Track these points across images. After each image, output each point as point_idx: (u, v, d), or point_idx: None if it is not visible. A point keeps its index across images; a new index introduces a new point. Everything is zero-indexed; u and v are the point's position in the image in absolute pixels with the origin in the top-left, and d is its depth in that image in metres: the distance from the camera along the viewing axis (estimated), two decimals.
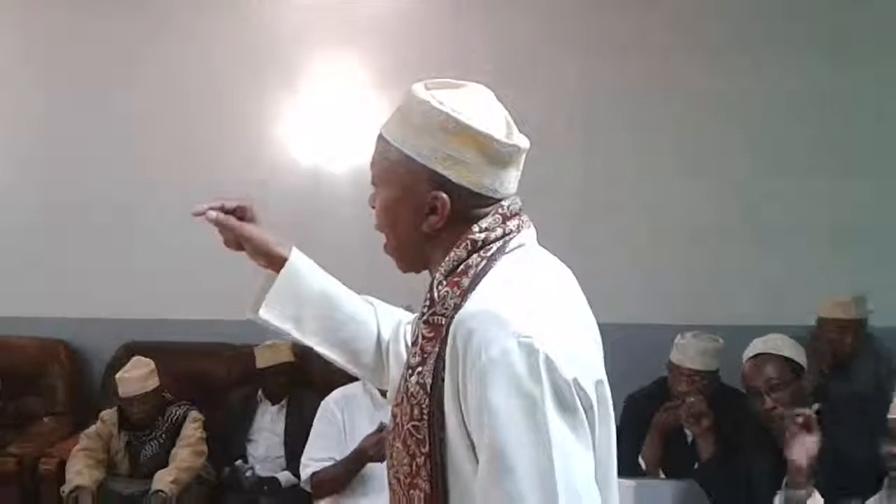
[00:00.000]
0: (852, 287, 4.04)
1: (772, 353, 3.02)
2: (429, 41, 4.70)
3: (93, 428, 4.19)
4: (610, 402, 1.35)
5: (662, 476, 3.51)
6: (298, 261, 1.61)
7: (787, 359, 3.00)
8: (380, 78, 4.72)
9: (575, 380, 1.25)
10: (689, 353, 3.51)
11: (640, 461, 3.55)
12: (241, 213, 1.64)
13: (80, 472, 4.00)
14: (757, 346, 3.09)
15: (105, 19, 4.85)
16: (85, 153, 4.89)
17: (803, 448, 2.57)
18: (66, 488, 3.97)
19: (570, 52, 4.66)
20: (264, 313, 1.59)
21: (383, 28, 4.79)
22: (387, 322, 1.69)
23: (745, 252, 4.55)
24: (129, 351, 4.48)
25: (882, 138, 4.52)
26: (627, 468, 3.49)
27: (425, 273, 1.44)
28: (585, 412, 1.27)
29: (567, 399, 1.24)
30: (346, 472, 3.26)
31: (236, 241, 1.63)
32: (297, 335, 1.61)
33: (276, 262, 1.61)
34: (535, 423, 1.22)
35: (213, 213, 1.62)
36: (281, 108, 4.85)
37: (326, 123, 4.79)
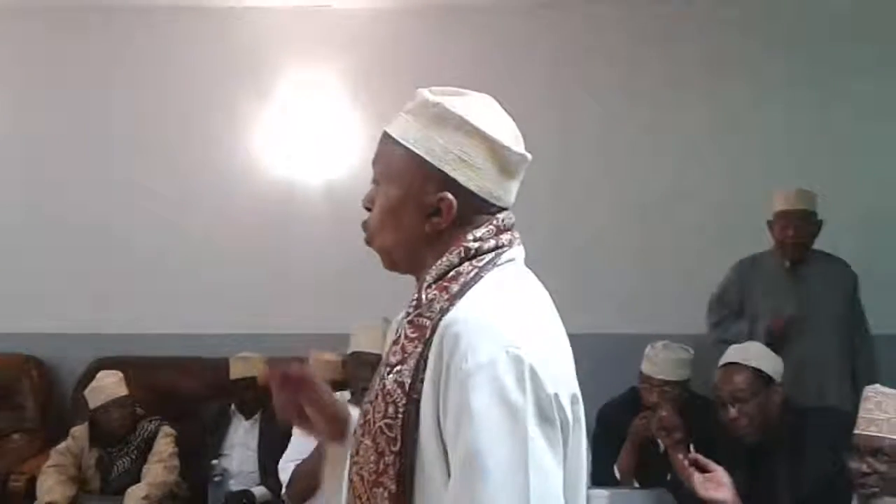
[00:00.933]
0: None
1: (741, 364, 3.04)
2: (405, 54, 4.73)
3: (63, 444, 4.14)
4: (583, 418, 1.36)
5: (636, 485, 3.53)
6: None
7: (756, 370, 3.02)
8: (355, 90, 4.74)
9: (556, 395, 1.27)
10: (659, 363, 3.53)
11: (615, 471, 3.57)
12: (302, 383, 1.55)
13: (52, 488, 3.95)
14: (729, 354, 3.11)
15: (80, 35, 4.85)
16: (58, 170, 4.86)
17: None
18: None
19: (545, 63, 4.71)
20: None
21: (359, 40, 4.81)
22: None
23: (717, 260, 4.59)
24: (101, 365, 4.45)
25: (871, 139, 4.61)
26: (602, 477, 3.52)
27: (395, 285, 1.44)
28: (562, 428, 1.28)
29: (547, 413, 1.25)
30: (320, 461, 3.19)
31: (299, 412, 1.56)
32: None
33: (339, 426, 1.57)
34: (515, 432, 1.23)
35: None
36: (255, 119, 4.85)
37: (301, 135, 4.79)
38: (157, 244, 4.85)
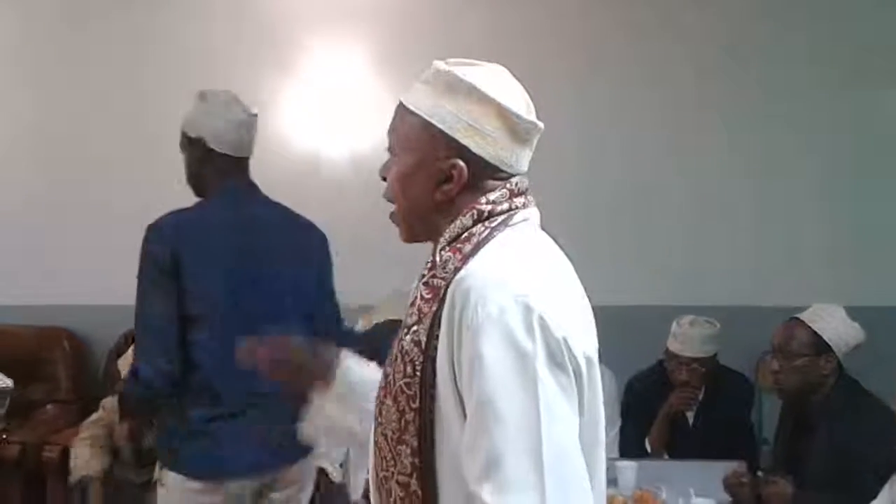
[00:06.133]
0: (850, 262, 4.06)
1: (803, 322, 2.98)
2: (430, 24, 4.70)
3: (95, 415, 4.18)
4: (599, 383, 1.38)
5: (666, 457, 3.54)
6: (345, 360, 1.69)
7: (815, 333, 2.95)
8: (381, 61, 4.71)
9: (565, 339, 1.28)
10: (686, 341, 3.51)
11: (647, 443, 3.57)
12: (280, 346, 1.73)
13: (87, 461, 3.99)
14: (805, 311, 3.04)
15: (101, 8, 4.84)
16: (83, 138, 4.88)
17: None
18: (73, 478, 3.96)
19: (571, 42, 4.66)
20: (331, 411, 1.67)
21: (384, 10, 4.78)
22: None
23: (744, 230, 4.56)
24: (131, 338, 4.48)
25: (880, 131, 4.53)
26: (630, 449, 3.52)
27: (419, 254, 1.46)
28: (575, 375, 1.30)
29: (558, 357, 1.27)
30: None
31: (288, 373, 1.72)
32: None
33: (326, 370, 1.68)
34: (526, 377, 1.25)
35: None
36: (280, 91, 4.83)
37: (327, 106, 4.78)
38: None
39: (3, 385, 2.49)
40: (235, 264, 2.60)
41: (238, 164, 2.68)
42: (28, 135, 4.94)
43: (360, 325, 3.73)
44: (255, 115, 2.73)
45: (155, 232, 2.56)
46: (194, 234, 2.57)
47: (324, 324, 2.69)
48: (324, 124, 4.80)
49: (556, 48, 4.64)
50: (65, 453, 4.14)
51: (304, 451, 2.58)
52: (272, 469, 2.63)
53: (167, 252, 2.51)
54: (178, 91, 4.76)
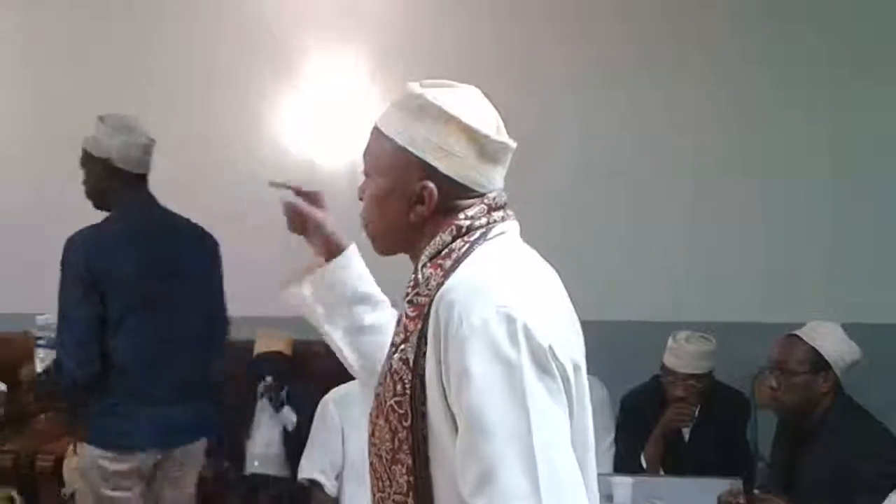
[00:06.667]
0: (847, 279, 4.05)
1: (801, 338, 2.98)
2: (428, 33, 4.69)
3: None
4: (587, 391, 1.39)
5: (661, 473, 3.53)
6: (353, 256, 1.69)
7: (814, 350, 2.94)
8: (378, 70, 4.71)
9: (550, 347, 1.30)
10: (682, 357, 3.51)
11: (642, 459, 3.56)
12: (313, 199, 1.72)
13: None
14: (803, 328, 3.03)
15: (101, 14, 4.84)
16: (76, 145, 4.87)
17: None
18: (66, 489, 3.94)
19: (567, 52, 4.65)
20: (305, 290, 1.68)
21: (380, 18, 4.78)
22: None
23: (740, 246, 4.54)
24: None
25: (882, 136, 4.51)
26: (625, 465, 3.51)
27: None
28: (563, 381, 1.31)
29: (544, 363, 1.29)
30: None
31: (302, 225, 1.71)
32: (323, 323, 1.68)
33: (333, 253, 1.69)
34: (514, 387, 1.26)
35: (290, 196, 1.71)
36: (277, 99, 4.84)
37: (323, 115, 4.78)
38: None
39: None
40: (147, 270, 2.96)
41: (140, 180, 3.04)
42: (27, 146, 4.92)
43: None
44: (154, 140, 3.08)
45: (73, 245, 2.92)
46: (108, 245, 2.93)
47: (220, 324, 3.24)
48: (320, 132, 4.80)
49: (555, 55, 4.62)
50: (59, 462, 4.11)
51: (195, 435, 3.18)
52: (168, 447, 3.09)
53: (84, 263, 2.88)
54: (177, 102, 4.84)
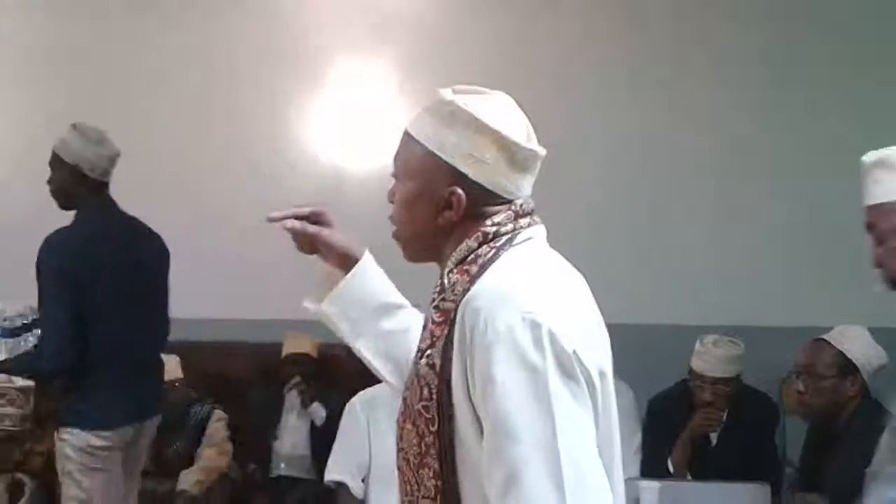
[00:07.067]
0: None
1: (828, 342, 2.96)
2: (455, 42, 4.71)
3: None
4: (613, 397, 1.40)
5: (688, 478, 3.51)
6: (369, 266, 1.68)
7: (841, 353, 2.93)
8: (405, 78, 4.73)
9: (575, 352, 1.30)
10: (710, 360, 3.49)
11: (669, 464, 3.55)
12: (315, 218, 1.70)
13: None
14: (831, 332, 3.02)
15: (127, 18, 4.87)
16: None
17: None
18: None
19: (594, 60, 4.66)
20: (327, 307, 1.66)
21: (410, 24, 4.80)
22: None
23: (767, 250, 4.52)
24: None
25: None
26: (652, 469, 3.50)
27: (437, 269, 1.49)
28: (588, 386, 1.31)
29: (568, 368, 1.29)
30: None
31: (311, 245, 1.70)
32: (349, 337, 1.67)
33: (348, 264, 1.67)
34: (539, 392, 1.27)
35: (289, 223, 1.68)
36: (305, 107, 4.86)
37: (351, 123, 4.80)
38: (208, 231, 4.89)
39: (26, 384, 2.57)
40: (116, 267, 3.23)
41: (104, 186, 3.30)
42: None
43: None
44: (120, 152, 3.34)
45: (50, 246, 3.17)
46: (82, 245, 3.19)
47: (166, 313, 3.51)
48: (348, 140, 4.82)
49: (583, 65, 4.64)
50: None
51: (156, 409, 3.48)
52: (143, 420, 3.36)
53: (60, 262, 3.14)
54: (204, 111, 4.88)
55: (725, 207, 4.59)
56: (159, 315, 3.50)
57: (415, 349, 1.59)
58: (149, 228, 3.49)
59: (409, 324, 1.68)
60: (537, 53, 4.61)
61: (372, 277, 1.68)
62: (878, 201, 1.99)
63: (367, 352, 1.67)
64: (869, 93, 4.45)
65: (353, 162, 4.82)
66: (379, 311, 1.67)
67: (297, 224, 1.68)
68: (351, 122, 4.81)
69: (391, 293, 1.71)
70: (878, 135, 4.36)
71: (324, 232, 1.68)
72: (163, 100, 4.87)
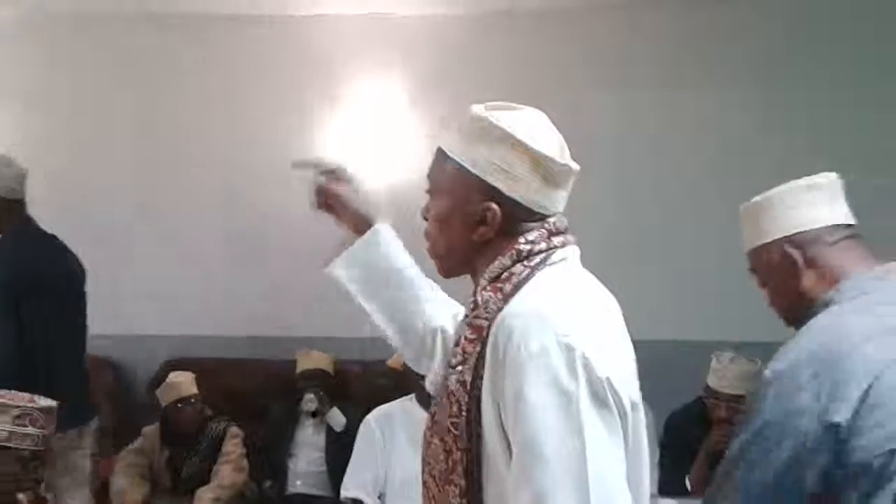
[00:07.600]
0: None
1: None
2: (465, 60, 4.73)
3: (136, 444, 4.22)
4: (643, 426, 1.38)
5: None
6: (383, 231, 1.71)
7: None
8: (420, 96, 4.76)
9: (608, 379, 1.29)
10: (727, 378, 3.46)
11: (687, 482, 3.52)
12: (339, 175, 1.74)
13: (126, 489, 4.03)
14: None
15: (147, 40, 4.92)
16: (125, 173, 4.96)
17: None
18: None
19: (606, 76, 4.67)
20: (334, 269, 1.70)
21: (421, 46, 4.83)
22: (444, 311, 1.74)
23: None
24: (171, 367, 4.52)
25: None
26: (669, 487, 3.47)
27: (453, 284, 1.52)
28: (619, 414, 1.30)
29: (602, 397, 1.28)
30: None
31: (327, 204, 1.73)
32: (359, 298, 1.71)
33: (363, 229, 1.71)
34: (570, 417, 1.26)
35: (317, 179, 1.73)
36: (320, 125, 4.89)
37: (365, 141, 4.82)
38: (226, 249, 4.92)
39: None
40: (47, 279, 3.41)
41: (21, 205, 3.44)
42: (69, 172, 4.98)
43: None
44: (27, 170, 3.46)
45: None
46: (20, 259, 3.38)
47: (84, 322, 3.66)
48: (365, 156, 4.84)
49: (594, 82, 4.64)
50: (105, 482, 4.16)
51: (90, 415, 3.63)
52: (82, 424, 3.53)
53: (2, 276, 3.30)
54: (220, 130, 4.91)
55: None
56: (81, 325, 3.66)
57: (428, 323, 1.65)
58: (65, 245, 3.61)
59: (425, 297, 1.70)
60: (549, 71, 4.62)
61: (385, 245, 1.70)
62: (751, 246, 2.12)
63: (374, 313, 1.71)
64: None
65: (368, 177, 4.81)
66: (388, 277, 1.70)
67: (321, 180, 1.71)
68: (366, 140, 4.83)
69: (404, 261, 1.72)
70: (889, 135, 4.43)
71: (343, 190, 1.72)
72: (181, 122, 4.91)
